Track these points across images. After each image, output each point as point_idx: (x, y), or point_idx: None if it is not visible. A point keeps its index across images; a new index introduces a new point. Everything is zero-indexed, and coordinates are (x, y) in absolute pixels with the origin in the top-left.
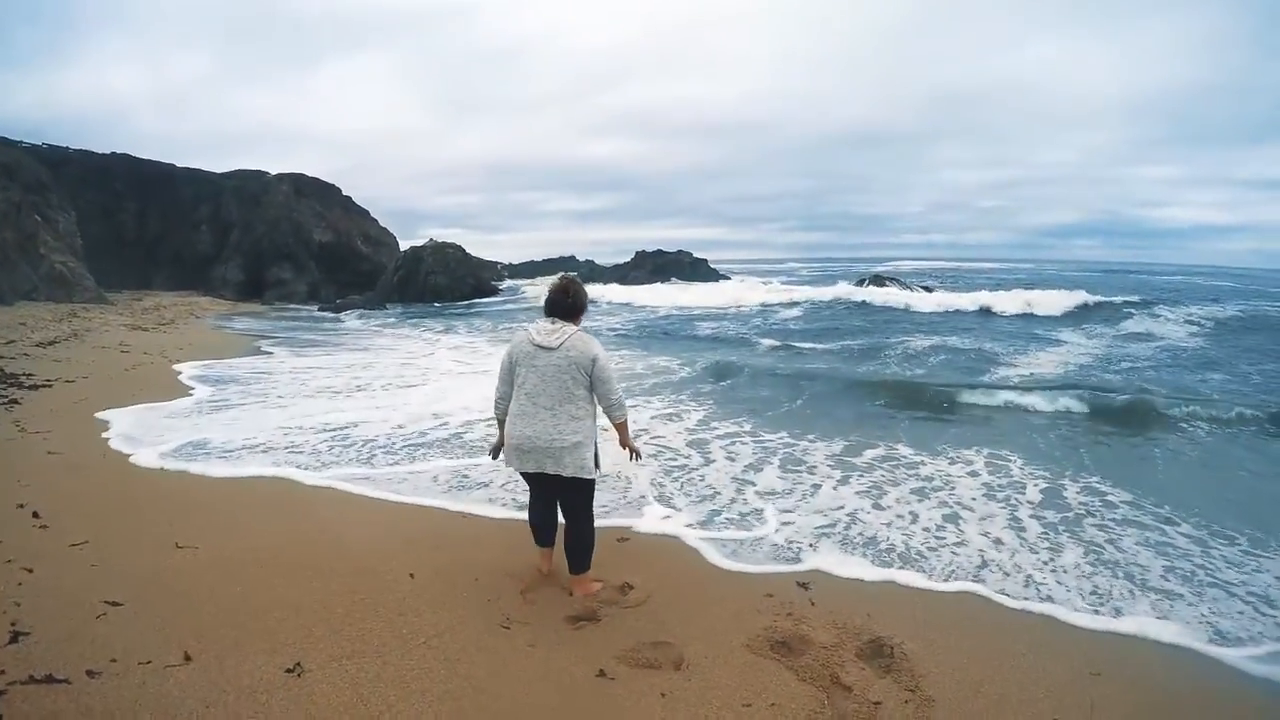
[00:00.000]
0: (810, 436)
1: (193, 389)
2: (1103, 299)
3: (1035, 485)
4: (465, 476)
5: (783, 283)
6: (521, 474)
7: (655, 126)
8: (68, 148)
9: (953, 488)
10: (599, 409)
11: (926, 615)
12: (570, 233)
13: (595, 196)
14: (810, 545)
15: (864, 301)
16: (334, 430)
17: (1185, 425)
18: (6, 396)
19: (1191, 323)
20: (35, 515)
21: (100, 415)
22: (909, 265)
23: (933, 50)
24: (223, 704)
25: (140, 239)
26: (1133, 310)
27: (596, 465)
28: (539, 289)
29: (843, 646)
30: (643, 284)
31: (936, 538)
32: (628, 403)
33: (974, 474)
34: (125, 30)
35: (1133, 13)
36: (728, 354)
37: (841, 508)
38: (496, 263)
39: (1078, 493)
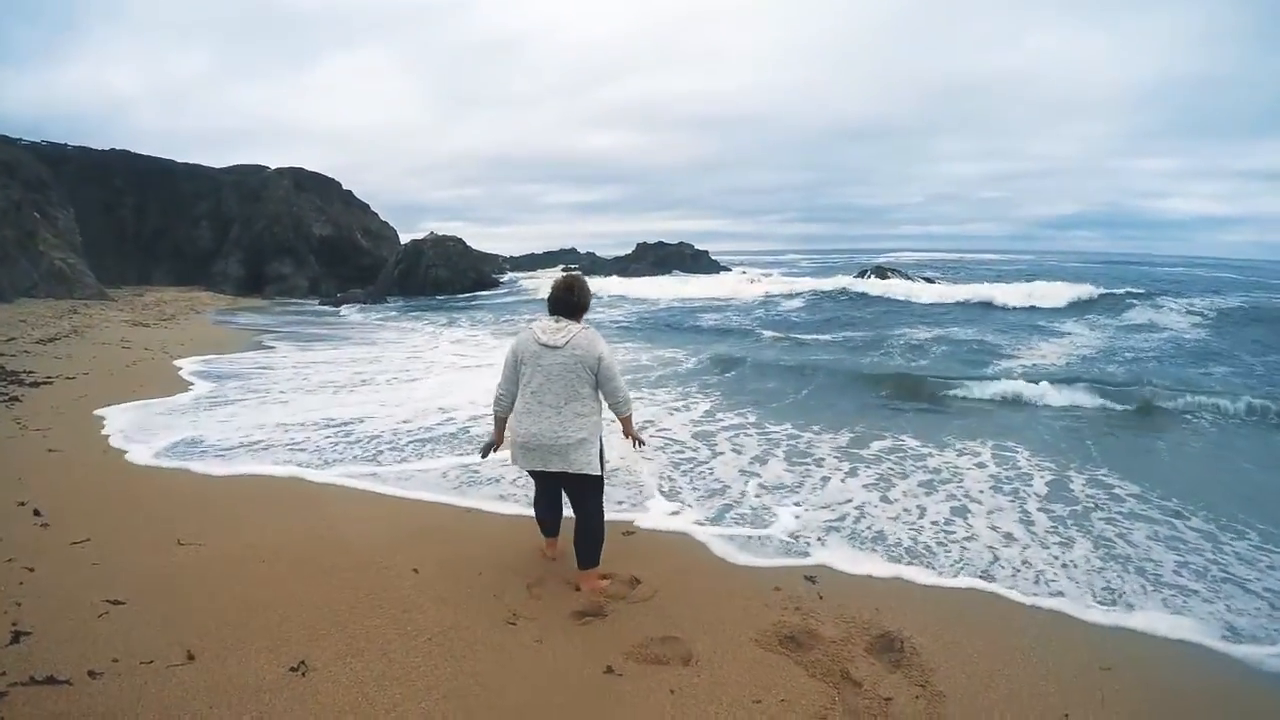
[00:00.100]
0: (815, 428)
1: (193, 384)
2: (1104, 290)
3: (1042, 477)
4: (475, 472)
5: (783, 274)
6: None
7: (655, 119)
8: (67, 145)
9: (960, 480)
10: (604, 405)
11: (935, 609)
12: (571, 225)
13: (596, 189)
14: (818, 539)
15: (865, 293)
16: (337, 426)
17: (1190, 417)
18: (7, 394)
19: (1194, 314)
20: (36, 513)
21: (99, 412)
22: (909, 257)
23: (932, 42)
24: (226, 704)
25: (140, 235)
26: (1135, 301)
27: (603, 461)
28: (538, 282)
29: (852, 641)
30: (644, 276)
31: (945, 531)
32: (632, 395)
33: (981, 465)
34: (124, 26)
35: (1133, 3)
36: (732, 346)
37: (850, 501)
38: (498, 255)
39: (1085, 485)
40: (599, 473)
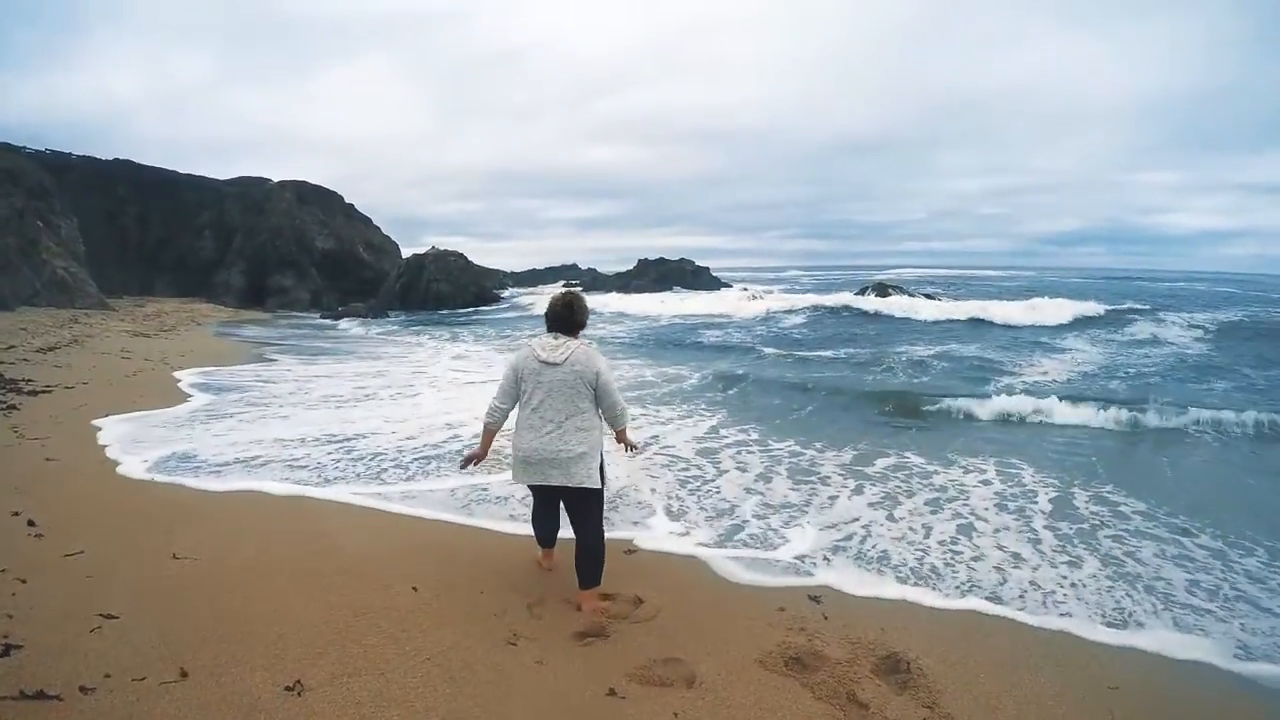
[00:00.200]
0: (818, 444)
1: (192, 396)
2: (1107, 306)
3: (1047, 494)
4: (484, 490)
5: (784, 290)
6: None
7: (656, 133)
8: (70, 153)
9: (966, 498)
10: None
11: (941, 629)
12: (572, 240)
13: (597, 204)
14: (824, 557)
15: (867, 310)
16: (339, 442)
17: (1193, 432)
18: (5, 402)
19: (1196, 328)
20: (31, 523)
21: (97, 422)
22: (911, 273)
23: (933, 56)
24: None
25: (142, 245)
26: (1136, 317)
27: (603, 476)
28: (539, 297)
29: (857, 662)
30: (646, 292)
31: (951, 550)
32: (638, 411)
33: (986, 482)
34: (126, 33)
35: (1134, 17)
36: (734, 363)
37: (856, 520)
38: (499, 270)
39: (1090, 502)
40: (598, 486)
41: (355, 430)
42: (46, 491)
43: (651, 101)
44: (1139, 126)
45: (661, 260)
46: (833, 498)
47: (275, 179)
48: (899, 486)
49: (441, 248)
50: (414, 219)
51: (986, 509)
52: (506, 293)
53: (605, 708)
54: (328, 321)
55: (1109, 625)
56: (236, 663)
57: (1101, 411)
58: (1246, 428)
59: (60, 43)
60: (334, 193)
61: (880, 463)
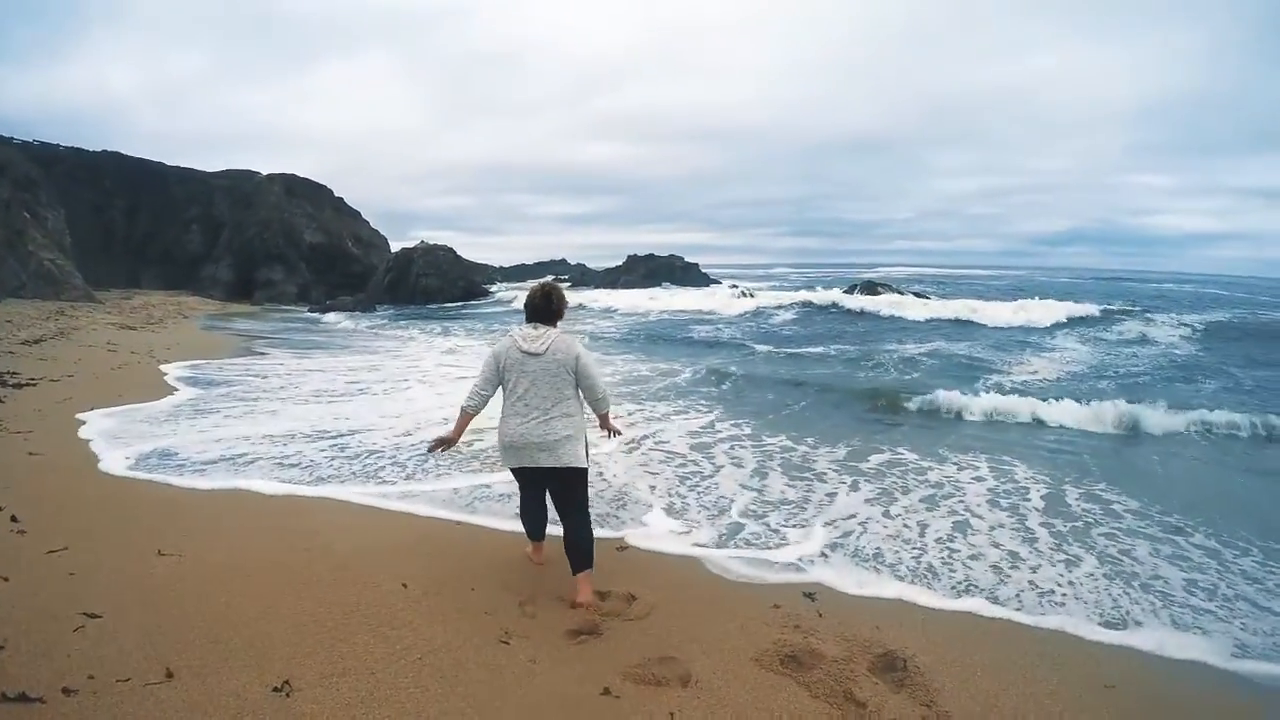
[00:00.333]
0: (811, 440)
1: (178, 389)
2: (1096, 306)
3: (1039, 492)
4: (487, 487)
5: (773, 288)
6: (513, 470)
7: (649, 131)
8: (58, 145)
9: (961, 495)
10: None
11: (937, 627)
12: (562, 236)
13: (587, 200)
14: (821, 554)
15: (856, 308)
16: (331, 438)
17: (1182, 432)
18: None
19: (1185, 328)
20: (14, 519)
21: (82, 415)
22: (900, 271)
23: (928, 58)
24: None
25: (130, 237)
26: (1126, 317)
27: (587, 458)
28: (525, 293)
29: (854, 660)
30: (635, 288)
31: (947, 548)
32: (635, 407)
33: (979, 479)
34: (121, 27)
35: (1129, 21)
36: (725, 358)
37: (852, 516)
38: (488, 265)
39: (1083, 500)
40: (584, 465)
41: (349, 426)
42: (29, 487)
43: (646, 100)
44: (1133, 130)
45: (651, 256)
46: (829, 494)
47: (265, 172)
48: (894, 483)
49: (431, 242)
50: (404, 213)
51: (981, 506)
52: (495, 287)
53: (600, 707)
54: (315, 315)
55: (1105, 624)
56: (222, 662)
57: (1090, 410)
58: (1236, 428)
59: (59, 38)
60: (323, 186)
61: (874, 459)
